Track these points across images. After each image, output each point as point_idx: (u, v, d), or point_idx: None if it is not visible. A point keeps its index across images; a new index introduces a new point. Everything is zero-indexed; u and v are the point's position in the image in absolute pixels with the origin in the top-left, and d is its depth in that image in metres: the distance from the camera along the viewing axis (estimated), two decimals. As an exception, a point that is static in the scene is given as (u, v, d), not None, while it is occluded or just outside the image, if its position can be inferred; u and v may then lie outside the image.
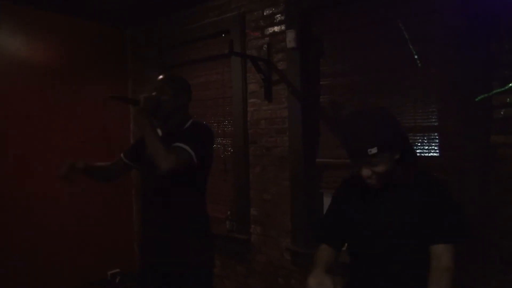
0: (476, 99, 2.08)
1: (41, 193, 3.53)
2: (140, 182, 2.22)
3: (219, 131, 3.58)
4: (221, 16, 3.36)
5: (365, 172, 1.43)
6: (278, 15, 2.99)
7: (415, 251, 1.45)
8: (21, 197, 3.44)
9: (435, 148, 2.37)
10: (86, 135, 3.82)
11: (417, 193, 1.46)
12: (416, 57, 2.07)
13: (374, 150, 1.35)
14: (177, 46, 3.84)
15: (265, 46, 3.04)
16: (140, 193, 2.19)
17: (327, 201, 2.91)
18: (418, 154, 1.56)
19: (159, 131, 2.00)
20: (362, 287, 1.58)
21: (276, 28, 3.00)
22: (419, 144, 2.42)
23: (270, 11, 3.04)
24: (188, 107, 2.14)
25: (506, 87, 2.02)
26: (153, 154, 1.79)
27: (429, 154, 2.38)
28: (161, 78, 2.07)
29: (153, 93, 1.98)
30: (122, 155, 2.26)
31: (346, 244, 1.68)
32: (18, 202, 3.42)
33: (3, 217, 3.35)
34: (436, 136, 2.37)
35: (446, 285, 1.34)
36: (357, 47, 2.68)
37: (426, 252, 1.43)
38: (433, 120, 2.38)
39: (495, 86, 2.09)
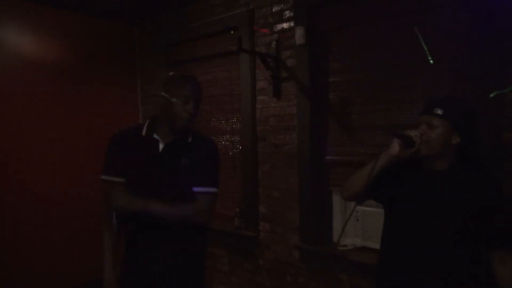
0: (489, 96, 2.05)
1: (45, 191, 3.55)
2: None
3: (227, 128, 3.58)
4: (229, 13, 3.35)
5: (422, 128, 1.50)
6: (286, 12, 2.98)
7: (456, 248, 1.46)
8: (25, 196, 3.45)
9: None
10: (96, 131, 3.84)
11: (472, 189, 1.47)
12: (427, 53, 2.04)
13: (439, 111, 1.47)
14: (184, 43, 3.84)
15: (274, 42, 3.03)
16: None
17: (335, 199, 2.90)
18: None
19: (161, 144, 1.79)
20: (393, 268, 1.59)
21: (285, 25, 2.99)
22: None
23: (279, 8, 3.02)
24: None
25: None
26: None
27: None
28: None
29: None
30: (116, 179, 1.80)
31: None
32: (22, 201, 3.44)
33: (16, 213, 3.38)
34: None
35: None
36: (367, 43, 2.66)
37: (467, 249, 1.45)
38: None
39: (507, 83, 2.06)
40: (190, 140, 1.84)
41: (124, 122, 3.99)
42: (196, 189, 1.77)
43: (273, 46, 3.02)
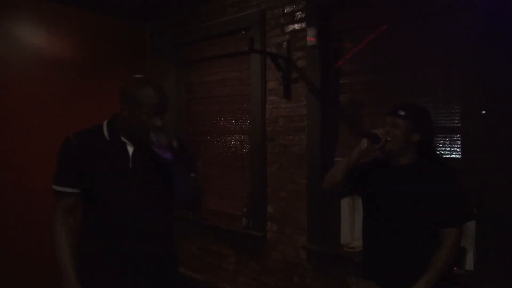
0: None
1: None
2: (95, 205, 1.64)
3: (237, 128, 3.59)
4: (241, 13, 3.36)
5: (388, 127, 1.80)
6: (298, 13, 2.98)
7: (418, 230, 1.76)
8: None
9: (458, 149, 2.33)
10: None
11: (430, 179, 1.77)
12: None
13: (402, 113, 1.79)
14: (195, 42, 3.85)
15: (285, 43, 3.03)
16: (103, 217, 1.63)
17: (344, 201, 2.90)
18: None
19: (130, 148, 1.65)
20: (375, 254, 1.89)
21: (297, 26, 2.99)
22: (441, 145, 2.39)
23: (291, 9, 3.03)
24: None
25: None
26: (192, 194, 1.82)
27: (451, 156, 2.34)
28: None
29: None
30: (69, 189, 1.63)
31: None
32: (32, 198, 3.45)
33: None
34: (459, 137, 2.33)
35: (447, 261, 1.71)
36: (378, 45, 2.65)
37: (427, 232, 1.75)
38: (456, 121, 2.35)
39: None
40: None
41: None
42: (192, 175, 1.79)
43: (284, 47, 3.03)
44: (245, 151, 3.50)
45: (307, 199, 2.94)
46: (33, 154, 3.45)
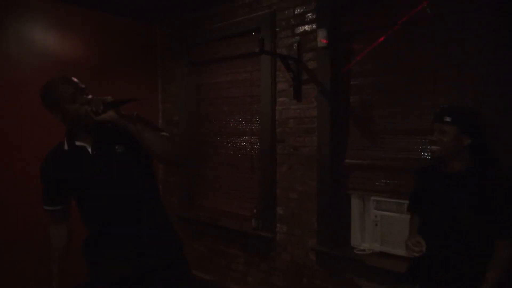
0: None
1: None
2: (87, 211, 1.81)
3: (247, 129, 3.60)
4: (252, 14, 3.37)
5: (434, 136, 1.77)
6: (309, 14, 2.98)
7: (473, 238, 1.70)
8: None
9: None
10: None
11: (485, 186, 1.69)
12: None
13: (448, 119, 1.73)
14: (206, 43, 3.87)
15: (295, 45, 3.03)
16: (95, 216, 1.79)
17: (354, 202, 2.89)
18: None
19: (89, 147, 1.76)
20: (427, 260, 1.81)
21: (307, 27, 2.99)
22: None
23: (301, 10, 3.02)
24: None
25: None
26: (165, 146, 1.72)
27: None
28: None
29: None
30: (53, 207, 1.84)
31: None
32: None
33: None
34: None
35: (501, 273, 1.66)
36: (389, 46, 2.64)
37: (484, 241, 1.69)
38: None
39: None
40: (108, 129, 1.80)
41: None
42: (163, 133, 1.81)
43: (295, 48, 3.03)
44: (255, 152, 3.51)
45: (317, 200, 2.94)
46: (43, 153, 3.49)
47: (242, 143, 3.65)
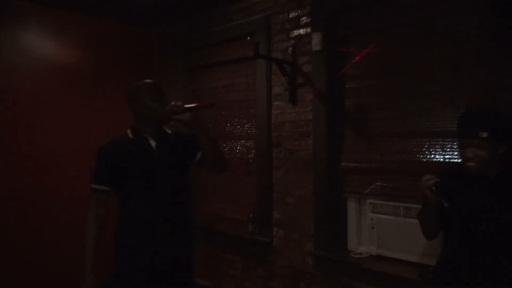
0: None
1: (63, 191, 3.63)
2: (132, 197, 2.04)
3: (243, 134, 3.59)
4: (247, 19, 3.37)
5: (471, 153, 1.61)
6: (303, 18, 2.98)
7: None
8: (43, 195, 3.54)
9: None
10: (113, 135, 3.89)
11: None
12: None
13: (485, 135, 1.56)
14: (202, 48, 3.87)
15: (290, 48, 3.03)
16: (137, 204, 2.03)
17: (351, 206, 2.88)
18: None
19: (153, 142, 2.07)
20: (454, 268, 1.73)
21: (302, 31, 2.99)
22: (446, 149, 2.36)
23: (296, 14, 3.03)
24: None
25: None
26: (218, 154, 2.14)
27: (459, 160, 2.31)
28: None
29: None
30: (103, 187, 2.03)
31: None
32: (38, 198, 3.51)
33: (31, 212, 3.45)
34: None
35: None
36: (384, 49, 2.64)
37: None
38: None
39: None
40: (170, 132, 2.18)
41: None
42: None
43: (290, 52, 3.03)
44: (251, 156, 3.50)
45: (313, 204, 2.92)
46: (39, 159, 3.49)
47: (238, 148, 3.64)
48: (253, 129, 3.46)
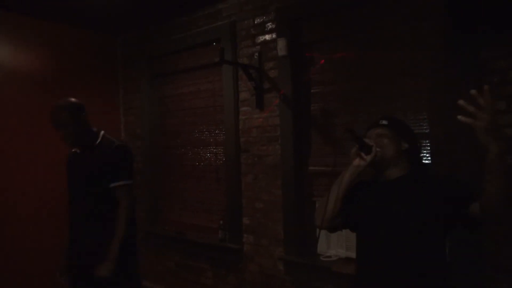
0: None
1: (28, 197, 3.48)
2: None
3: (211, 140, 3.56)
4: (212, 25, 3.36)
5: (373, 139, 1.68)
6: (269, 24, 3.00)
7: (421, 241, 1.56)
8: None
9: (427, 155, 2.36)
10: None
11: (428, 182, 1.63)
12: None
13: (385, 122, 1.74)
14: (168, 55, 3.82)
15: (256, 54, 3.04)
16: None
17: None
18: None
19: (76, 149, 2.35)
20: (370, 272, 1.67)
21: (267, 36, 3.01)
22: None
23: (261, 20, 3.04)
24: (86, 120, 2.34)
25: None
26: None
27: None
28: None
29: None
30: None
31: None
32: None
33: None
34: (428, 143, 2.37)
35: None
36: (348, 55, 2.69)
37: (431, 244, 1.55)
38: (424, 127, 2.39)
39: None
40: (98, 142, 2.32)
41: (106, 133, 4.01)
42: (112, 184, 2.24)
43: (256, 57, 3.04)
44: (220, 162, 3.47)
45: (282, 209, 2.92)
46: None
47: (207, 154, 3.61)
48: (221, 135, 3.43)
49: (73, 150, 2.37)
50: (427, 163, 1.83)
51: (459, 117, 1.32)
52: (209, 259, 3.46)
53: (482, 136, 1.32)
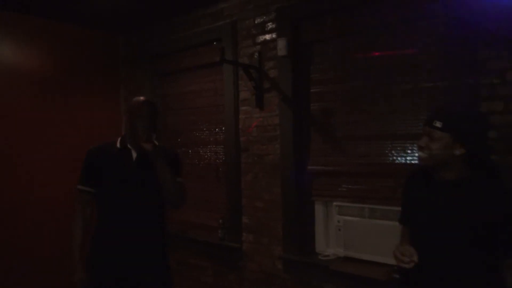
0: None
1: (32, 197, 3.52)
2: (106, 204, 2.13)
3: (211, 139, 3.58)
4: (213, 24, 3.38)
5: (422, 141, 1.56)
6: (269, 23, 3.01)
7: (472, 252, 1.48)
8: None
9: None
10: (78, 141, 3.80)
11: (484, 198, 1.48)
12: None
13: (438, 124, 1.50)
14: (169, 54, 3.84)
15: (257, 54, 3.05)
16: (110, 210, 2.12)
17: (318, 209, 2.91)
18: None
19: (134, 154, 2.13)
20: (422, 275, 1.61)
21: (268, 36, 3.02)
22: (409, 151, 2.42)
23: (262, 19, 3.06)
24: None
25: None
26: (172, 192, 2.09)
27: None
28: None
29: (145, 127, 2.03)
30: (87, 188, 2.14)
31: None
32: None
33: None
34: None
35: None
36: (348, 54, 2.69)
37: (485, 256, 1.47)
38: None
39: (482, 93, 2.10)
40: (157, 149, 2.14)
41: (106, 133, 4.04)
42: (178, 180, 2.19)
43: (256, 57, 3.05)
44: (220, 161, 3.49)
45: (282, 208, 2.94)
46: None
47: (207, 153, 3.63)
48: (222, 134, 3.45)
49: (118, 147, 2.15)
50: (494, 171, 1.55)
51: None
52: (210, 258, 3.48)
53: None
